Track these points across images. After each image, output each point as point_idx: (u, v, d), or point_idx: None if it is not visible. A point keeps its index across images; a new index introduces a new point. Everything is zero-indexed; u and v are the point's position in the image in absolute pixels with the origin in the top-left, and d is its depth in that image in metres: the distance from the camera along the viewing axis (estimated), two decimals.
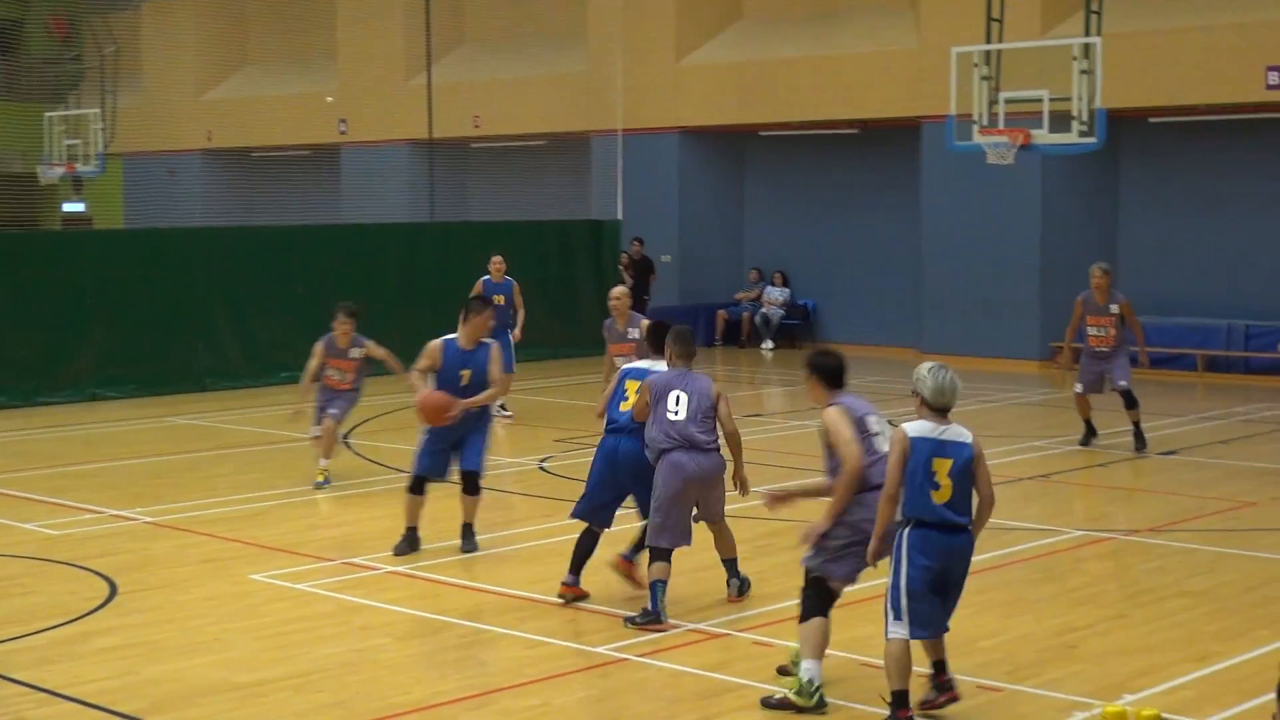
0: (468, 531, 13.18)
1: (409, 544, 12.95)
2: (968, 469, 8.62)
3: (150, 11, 40.19)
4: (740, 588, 11.53)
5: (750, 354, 30.00)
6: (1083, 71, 20.13)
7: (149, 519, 14.57)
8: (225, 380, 24.41)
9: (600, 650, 10.12)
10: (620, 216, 30.58)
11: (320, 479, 16.11)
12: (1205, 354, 25.54)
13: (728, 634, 10.51)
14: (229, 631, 10.71)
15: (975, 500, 8.75)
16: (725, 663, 9.90)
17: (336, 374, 16.34)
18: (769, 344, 30.52)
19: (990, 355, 26.49)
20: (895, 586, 8.63)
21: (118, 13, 36.48)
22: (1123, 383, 17.73)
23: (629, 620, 10.78)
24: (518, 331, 21.10)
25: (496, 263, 21.66)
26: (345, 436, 19.22)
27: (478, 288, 21.03)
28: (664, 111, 31.25)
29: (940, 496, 8.57)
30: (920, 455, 8.58)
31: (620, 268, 29.97)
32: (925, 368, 8.80)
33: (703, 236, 31.51)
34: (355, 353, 16.39)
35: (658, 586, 10.81)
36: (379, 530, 13.99)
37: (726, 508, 11.36)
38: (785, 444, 19.00)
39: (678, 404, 10.89)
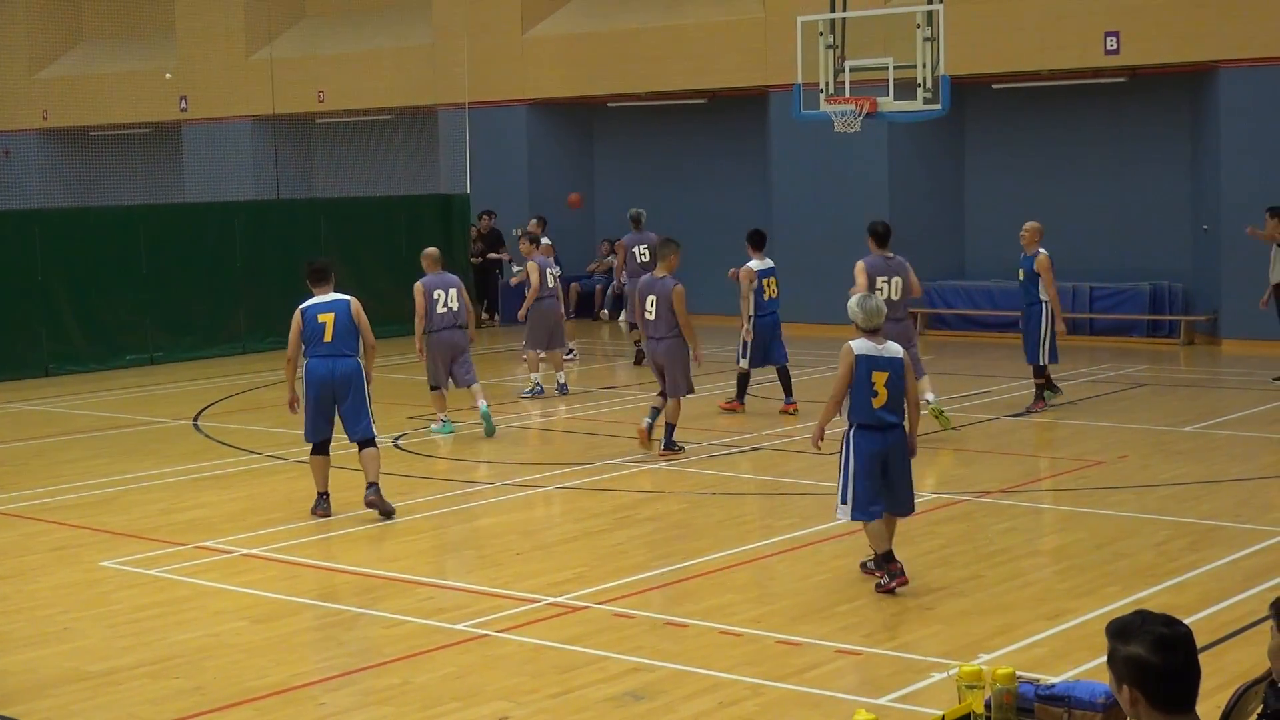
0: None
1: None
2: (899, 377, 10.55)
3: None
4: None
5: (604, 326, 29.96)
6: (926, 39, 20.25)
7: None
8: (70, 364, 23.90)
9: (459, 627, 10.05)
10: (469, 190, 30.40)
11: None
12: None
13: (587, 606, 10.50)
14: (80, 620, 10.49)
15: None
16: (585, 635, 9.87)
17: None
18: (622, 316, 30.50)
19: (842, 323, 26.54)
20: (844, 479, 10.59)
21: None
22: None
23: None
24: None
25: (532, 226, 24.68)
26: (196, 419, 18.99)
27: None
28: (511, 84, 31.08)
29: (878, 402, 10.50)
30: (863, 369, 10.49)
31: (471, 241, 29.83)
32: (855, 299, 10.81)
33: (553, 209, 31.36)
34: None
35: None
36: (232, 512, 13.80)
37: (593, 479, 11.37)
38: (639, 416, 19.00)
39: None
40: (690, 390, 15.98)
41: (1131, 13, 24.50)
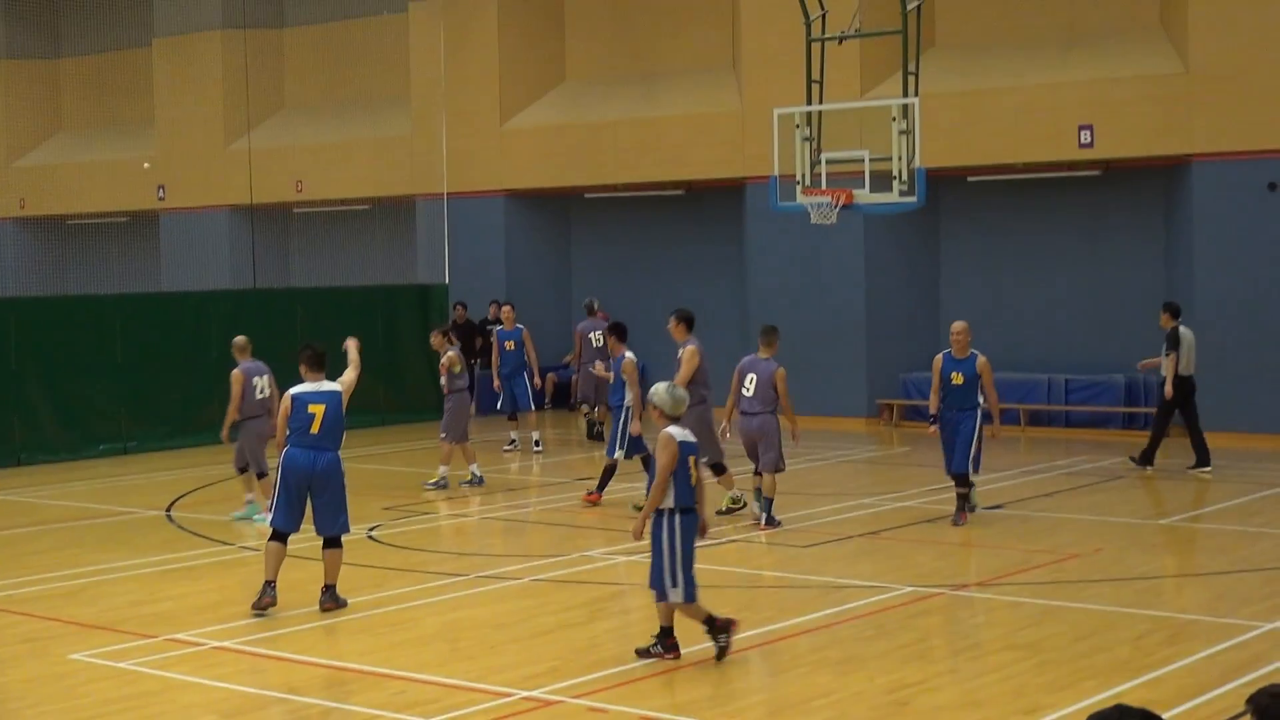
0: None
1: None
2: (698, 460, 11.27)
3: None
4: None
5: (580, 417, 29.85)
6: (902, 132, 20.41)
7: None
8: (42, 454, 23.75)
9: None
10: (447, 280, 30.42)
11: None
12: (1027, 408, 25.97)
13: (561, 700, 10.39)
14: (48, 714, 10.35)
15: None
16: None
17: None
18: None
19: (819, 414, 26.66)
20: (673, 563, 11.01)
21: None
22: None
23: None
24: (536, 379, 24.54)
25: (506, 312, 24.96)
26: (168, 510, 18.89)
27: (493, 336, 24.82)
28: (489, 174, 31.21)
29: (693, 482, 11.15)
30: (684, 455, 11.01)
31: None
32: (660, 387, 11.31)
33: (531, 299, 31.42)
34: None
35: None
36: (203, 604, 13.67)
37: (568, 571, 11.32)
38: (619, 509, 18.94)
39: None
40: (782, 466, 17.02)
41: (1105, 107, 24.74)
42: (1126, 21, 25.83)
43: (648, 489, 17.59)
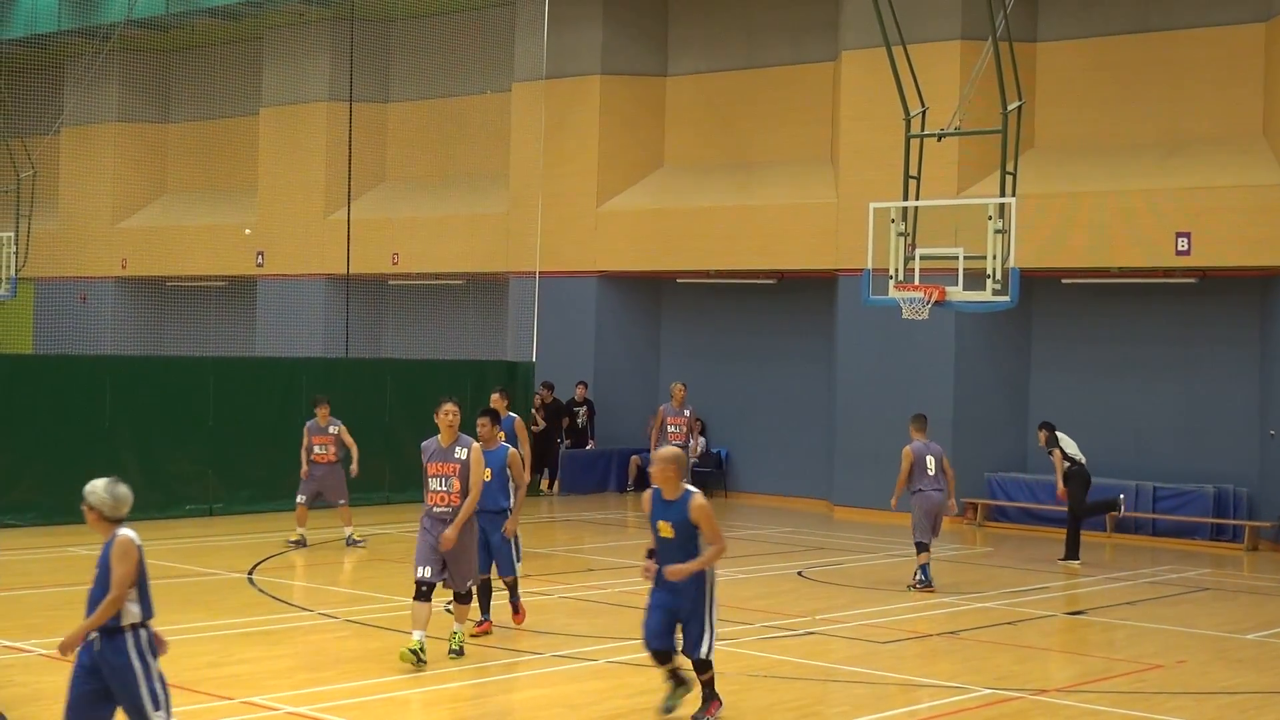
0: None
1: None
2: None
3: (70, 137, 40.11)
4: None
5: None
6: (997, 231, 20.38)
7: (43, 651, 14.24)
8: (130, 511, 23.93)
9: None
10: (534, 358, 30.59)
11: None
12: (1114, 515, 25.69)
13: None
14: None
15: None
16: None
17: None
18: None
19: (904, 509, 26.50)
20: (150, 683, 9.34)
21: (37, 137, 36.35)
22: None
23: None
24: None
25: (496, 399, 22.26)
26: (250, 573, 19.01)
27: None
28: (582, 255, 31.41)
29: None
30: (143, 566, 9.49)
31: (533, 410, 29.93)
32: (99, 485, 9.66)
33: (618, 381, 31.55)
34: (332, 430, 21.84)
35: None
36: (280, 669, 13.74)
37: (642, 654, 11.18)
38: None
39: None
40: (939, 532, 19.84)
41: (1203, 215, 24.59)
42: (1228, 130, 25.72)
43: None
